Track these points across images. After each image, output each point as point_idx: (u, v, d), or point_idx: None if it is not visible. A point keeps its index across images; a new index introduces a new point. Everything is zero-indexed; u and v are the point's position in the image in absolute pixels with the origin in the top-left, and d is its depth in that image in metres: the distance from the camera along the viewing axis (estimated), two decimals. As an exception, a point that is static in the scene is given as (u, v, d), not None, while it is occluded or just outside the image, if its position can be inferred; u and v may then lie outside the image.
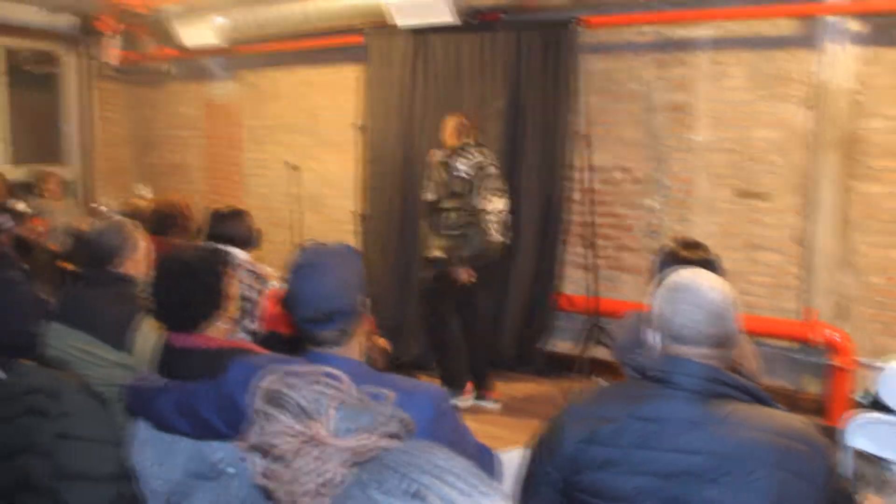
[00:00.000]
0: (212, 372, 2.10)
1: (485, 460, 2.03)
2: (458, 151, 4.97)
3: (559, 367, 5.74)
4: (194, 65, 7.88)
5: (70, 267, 6.62)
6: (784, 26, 4.90)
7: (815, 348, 4.76)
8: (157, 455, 2.21)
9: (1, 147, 7.64)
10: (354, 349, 1.95)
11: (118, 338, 3.05)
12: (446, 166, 5.01)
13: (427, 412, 1.73)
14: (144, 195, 6.18)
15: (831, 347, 4.69)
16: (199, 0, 6.76)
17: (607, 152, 5.55)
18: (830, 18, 4.71)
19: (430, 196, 5.14)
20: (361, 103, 6.34)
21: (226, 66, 7.76)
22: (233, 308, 2.50)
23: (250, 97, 7.62)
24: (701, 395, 1.68)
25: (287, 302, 1.95)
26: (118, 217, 3.38)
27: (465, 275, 4.90)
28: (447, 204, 4.99)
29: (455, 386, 5.03)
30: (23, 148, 7.93)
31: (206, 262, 2.43)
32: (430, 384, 1.92)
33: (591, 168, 5.35)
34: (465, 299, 5.06)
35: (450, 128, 5.04)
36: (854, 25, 4.67)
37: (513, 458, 2.31)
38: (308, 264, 1.92)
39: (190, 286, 2.37)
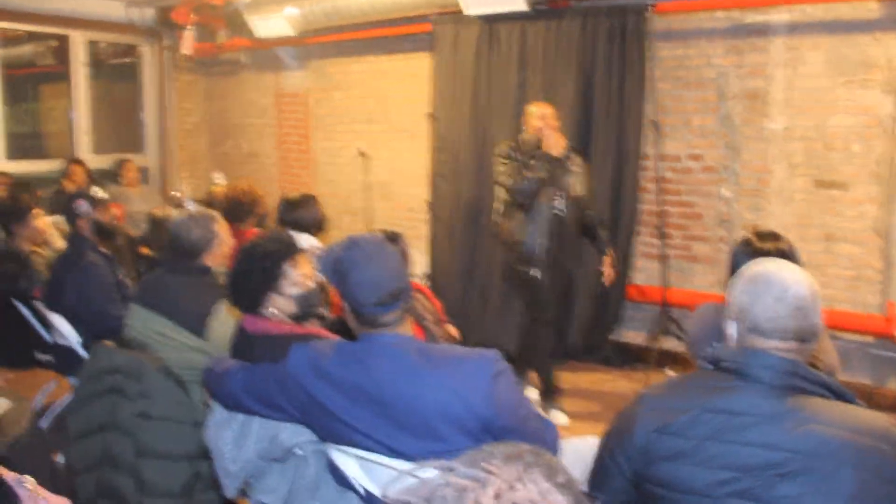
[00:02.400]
0: (281, 356, 2.17)
1: (543, 427, 2.11)
2: None
3: (628, 357, 5.70)
4: (267, 55, 8.01)
5: (149, 252, 6.84)
6: (866, 9, 4.73)
7: (896, 343, 4.61)
8: (231, 436, 2.27)
9: (83, 136, 7.89)
10: (408, 326, 2.08)
11: (197, 325, 3.15)
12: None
13: (487, 370, 1.90)
14: (219, 183, 6.31)
15: (913, 342, 4.55)
16: (272, -9, 6.87)
17: (678, 141, 5.46)
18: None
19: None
20: (430, 91, 6.36)
21: (297, 55, 7.86)
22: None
23: (320, 86, 7.71)
24: (779, 389, 1.64)
25: (349, 292, 2.02)
26: (203, 211, 3.45)
27: None
28: None
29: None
30: (103, 137, 8.19)
31: (273, 254, 2.50)
32: (483, 349, 1.99)
33: (662, 156, 5.27)
34: None
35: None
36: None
37: (582, 448, 2.31)
38: (362, 254, 2.01)
39: (252, 272, 2.46)
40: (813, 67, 4.93)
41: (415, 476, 0.84)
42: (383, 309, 2.00)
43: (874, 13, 4.71)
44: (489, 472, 0.81)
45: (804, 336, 1.68)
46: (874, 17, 4.71)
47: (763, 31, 5.09)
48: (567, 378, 5.41)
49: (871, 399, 4.78)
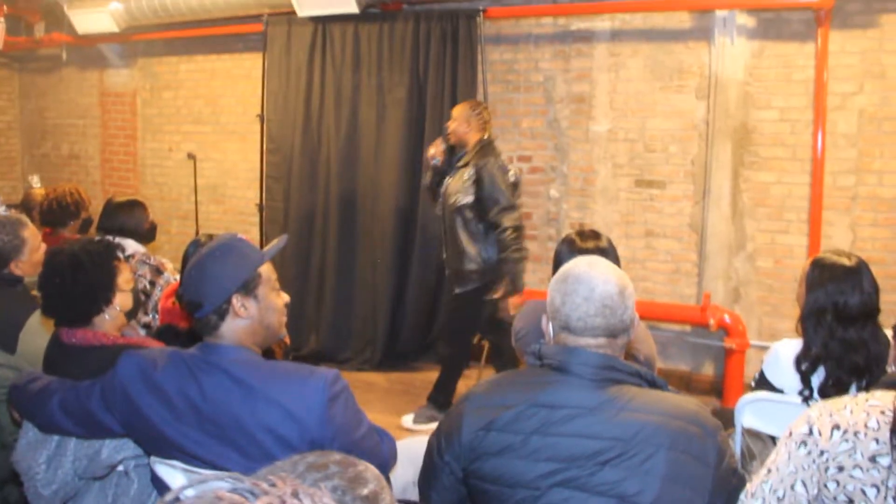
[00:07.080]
0: (104, 369, 2.04)
1: (380, 441, 2.07)
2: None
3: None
4: (89, 52, 7.57)
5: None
6: (678, 19, 5.05)
7: (711, 331, 4.92)
8: (45, 457, 2.13)
9: None
10: (245, 339, 1.96)
11: (6, 339, 2.93)
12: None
13: (321, 395, 1.84)
14: (35, 186, 5.92)
15: (725, 330, 4.86)
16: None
17: (508, 142, 5.60)
18: (721, 13, 4.88)
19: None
20: (262, 93, 6.22)
21: (122, 53, 7.49)
22: (124, 301, 2.43)
23: (148, 85, 7.39)
24: (597, 382, 1.72)
25: None
26: (10, 216, 3.22)
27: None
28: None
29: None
30: None
31: (93, 255, 2.35)
32: (323, 369, 1.91)
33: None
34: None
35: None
36: (743, 19, 4.86)
37: (415, 447, 2.33)
38: (195, 258, 1.97)
39: (76, 281, 2.29)
40: (633, 73, 5.20)
41: (212, 481, 0.81)
42: (190, 309, 1.95)
43: (686, 23, 5.03)
44: (264, 487, 0.79)
45: (613, 332, 1.76)
46: (686, 27, 5.03)
47: (587, 37, 5.32)
48: (402, 378, 5.45)
49: (690, 383, 5.09)
